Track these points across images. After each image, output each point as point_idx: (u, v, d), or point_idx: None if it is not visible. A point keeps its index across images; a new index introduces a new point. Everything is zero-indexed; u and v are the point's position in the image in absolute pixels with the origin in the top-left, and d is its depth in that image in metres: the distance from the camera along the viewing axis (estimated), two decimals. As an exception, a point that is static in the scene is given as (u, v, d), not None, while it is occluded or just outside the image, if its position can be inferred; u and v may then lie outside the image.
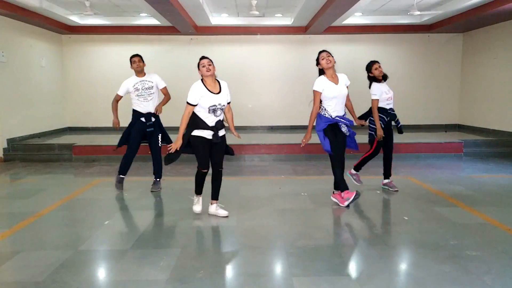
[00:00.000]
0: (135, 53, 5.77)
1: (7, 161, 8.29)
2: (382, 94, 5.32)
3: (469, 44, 10.97)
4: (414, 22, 10.30)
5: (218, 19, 10.37)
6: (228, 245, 3.81)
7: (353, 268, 3.34)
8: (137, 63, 5.65)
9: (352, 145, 4.88)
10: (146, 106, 5.58)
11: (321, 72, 4.72)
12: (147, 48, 11.29)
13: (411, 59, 11.33)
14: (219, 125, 4.38)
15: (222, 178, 4.58)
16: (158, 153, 5.75)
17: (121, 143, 5.77)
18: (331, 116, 4.63)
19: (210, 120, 4.31)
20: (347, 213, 4.69)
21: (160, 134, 5.72)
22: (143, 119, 5.57)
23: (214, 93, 4.26)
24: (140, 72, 5.67)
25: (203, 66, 4.29)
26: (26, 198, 5.43)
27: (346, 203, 4.73)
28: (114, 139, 9.24)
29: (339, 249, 3.67)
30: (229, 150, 4.61)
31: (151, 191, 5.67)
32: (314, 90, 4.62)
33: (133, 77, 5.68)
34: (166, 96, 5.80)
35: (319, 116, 4.71)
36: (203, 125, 4.28)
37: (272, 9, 9.52)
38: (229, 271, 3.29)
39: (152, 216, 4.61)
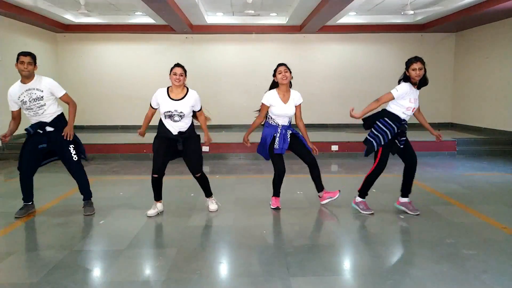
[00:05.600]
0: (25, 51, 4.29)
1: (1, 160, 8.21)
2: (407, 98, 4.24)
3: (462, 43, 11.04)
4: (408, 21, 10.35)
5: (213, 18, 10.35)
6: (225, 244, 3.80)
7: (350, 267, 3.34)
8: (25, 64, 4.17)
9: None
10: (38, 120, 4.38)
11: (275, 84, 4.59)
12: (142, 47, 11.27)
13: (404, 58, 11.12)
14: (182, 134, 4.36)
15: (218, 176, 4.57)
16: (78, 169, 4.62)
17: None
18: (277, 124, 4.55)
19: (171, 126, 4.32)
20: (344, 212, 4.69)
21: (71, 146, 4.52)
22: (33, 130, 4.37)
23: (174, 99, 4.29)
24: (27, 77, 4.26)
25: (175, 75, 4.30)
26: (20, 197, 5.36)
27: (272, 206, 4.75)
28: (109, 138, 9.21)
29: (336, 248, 3.67)
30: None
31: (84, 215, 4.59)
32: (262, 103, 4.54)
33: (17, 84, 4.33)
34: (70, 104, 4.52)
35: (268, 125, 4.61)
36: (167, 133, 4.35)
37: (267, 8, 9.51)
38: (226, 271, 3.27)
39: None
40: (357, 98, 11.61)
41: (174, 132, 4.34)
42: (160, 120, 4.40)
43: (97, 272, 3.28)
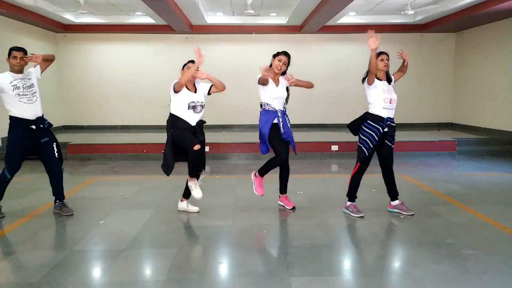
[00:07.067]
0: (17, 46, 4.54)
1: (1, 160, 8.20)
2: (379, 87, 4.41)
3: (462, 43, 11.05)
4: (408, 21, 10.35)
5: (213, 18, 10.35)
6: (225, 245, 3.79)
7: (350, 267, 3.34)
8: (18, 59, 4.41)
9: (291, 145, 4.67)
10: (33, 110, 4.43)
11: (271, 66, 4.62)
12: (142, 47, 11.26)
13: (405, 58, 11.38)
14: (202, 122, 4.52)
15: (218, 176, 4.56)
16: (58, 165, 4.61)
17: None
18: (274, 109, 4.49)
19: (191, 118, 4.38)
20: (343, 212, 4.69)
21: (55, 143, 4.61)
22: (34, 126, 4.41)
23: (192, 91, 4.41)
24: (18, 72, 4.48)
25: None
26: (20, 197, 5.37)
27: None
28: (109, 138, 9.18)
29: (336, 248, 3.67)
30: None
31: (65, 215, 4.58)
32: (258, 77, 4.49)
33: (6, 72, 4.44)
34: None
35: (265, 112, 4.51)
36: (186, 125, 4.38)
37: (267, 8, 9.51)
38: (226, 271, 3.27)
39: (148, 216, 4.57)
40: (357, 98, 11.64)
41: (193, 123, 4.39)
42: (173, 116, 4.36)
43: (97, 272, 3.27)
